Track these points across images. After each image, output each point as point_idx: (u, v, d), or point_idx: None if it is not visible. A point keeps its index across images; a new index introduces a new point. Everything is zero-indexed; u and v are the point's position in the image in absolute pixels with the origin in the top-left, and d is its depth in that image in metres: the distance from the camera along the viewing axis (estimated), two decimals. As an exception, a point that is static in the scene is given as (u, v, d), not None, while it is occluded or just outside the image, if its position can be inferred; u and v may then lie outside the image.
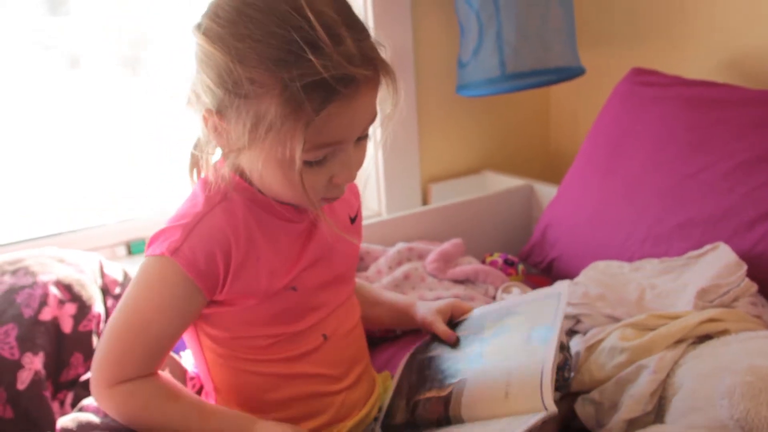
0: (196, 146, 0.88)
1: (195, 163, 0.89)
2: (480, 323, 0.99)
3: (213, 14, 0.77)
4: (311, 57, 0.72)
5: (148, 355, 0.83)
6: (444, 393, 0.90)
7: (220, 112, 0.78)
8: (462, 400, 0.87)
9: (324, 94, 0.73)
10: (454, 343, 0.98)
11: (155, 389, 0.83)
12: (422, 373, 0.97)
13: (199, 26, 0.78)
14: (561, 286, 0.95)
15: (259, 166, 0.79)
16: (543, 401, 0.78)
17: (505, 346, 0.91)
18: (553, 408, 0.77)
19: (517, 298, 1.01)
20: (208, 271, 0.81)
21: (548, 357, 0.83)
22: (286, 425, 0.82)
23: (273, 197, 0.85)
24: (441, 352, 0.99)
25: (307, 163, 0.78)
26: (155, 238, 0.84)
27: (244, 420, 0.83)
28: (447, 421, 0.87)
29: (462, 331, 1.00)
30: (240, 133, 0.77)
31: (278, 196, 0.84)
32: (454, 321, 1.04)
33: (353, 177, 0.83)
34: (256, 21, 0.73)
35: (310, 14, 0.73)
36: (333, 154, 0.80)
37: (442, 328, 1.01)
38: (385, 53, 0.79)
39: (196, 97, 0.80)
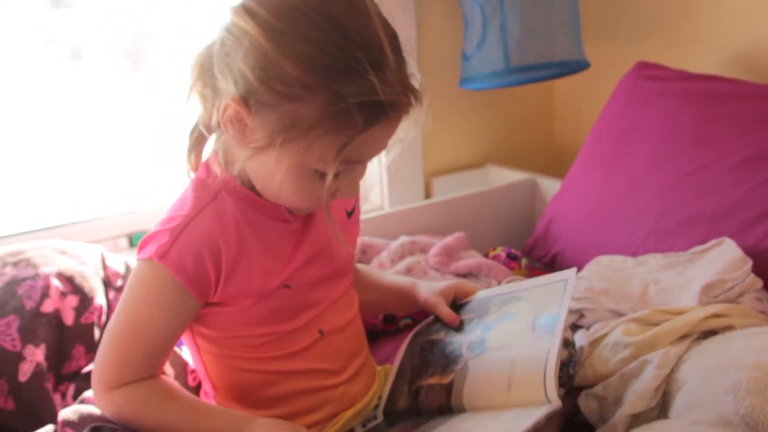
0: (195, 129, 0.86)
1: (195, 146, 0.87)
2: (484, 306, 0.98)
3: (269, 5, 0.73)
4: (373, 77, 0.71)
5: (146, 358, 0.82)
6: (446, 380, 0.89)
7: (249, 105, 0.75)
8: (464, 390, 0.86)
9: (372, 115, 0.73)
10: (458, 327, 0.97)
11: (152, 391, 0.82)
12: (424, 357, 0.96)
13: (251, 14, 0.74)
14: (567, 273, 0.93)
15: (281, 168, 0.77)
16: (546, 395, 0.77)
17: (509, 333, 0.89)
18: (557, 402, 0.76)
19: (523, 283, 0.99)
20: (197, 275, 0.80)
21: (552, 348, 0.82)
22: (282, 422, 0.81)
23: (272, 199, 0.84)
24: (444, 335, 0.97)
25: (322, 175, 0.78)
26: (145, 242, 0.83)
27: (240, 419, 0.82)
28: (449, 410, 0.86)
29: (465, 314, 0.98)
30: (267, 132, 0.75)
31: (280, 199, 0.83)
32: (457, 303, 1.02)
33: (357, 194, 0.84)
34: (319, 26, 0.72)
35: (377, 34, 0.73)
36: (345, 171, 0.79)
37: (445, 310, 0.99)
38: (416, 82, 0.79)
39: (215, 81, 0.77)
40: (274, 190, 0.81)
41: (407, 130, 0.81)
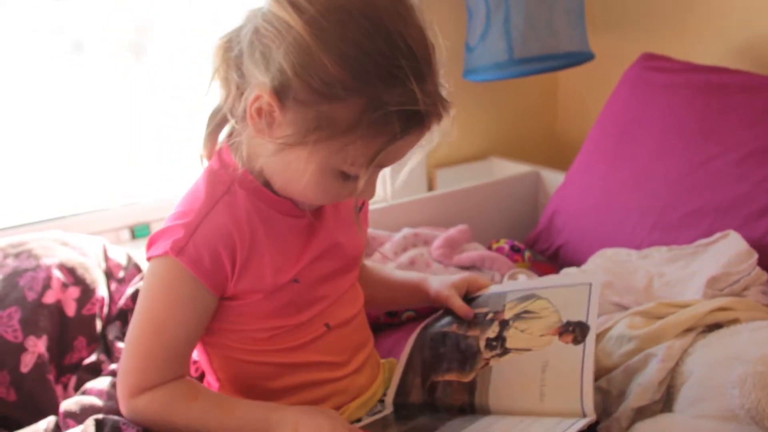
0: (216, 114, 0.84)
1: (213, 132, 0.85)
2: (499, 301, 0.96)
3: (316, 2, 0.72)
4: (415, 87, 0.71)
5: (167, 360, 0.81)
6: (467, 379, 0.88)
7: (283, 99, 0.73)
8: (489, 391, 0.85)
9: (408, 124, 0.73)
10: (471, 320, 0.96)
11: (174, 392, 0.80)
12: (436, 350, 0.95)
13: (298, 8, 0.72)
14: (591, 276, 0.92)
15: (309, 167, 0.76)
16: (583, 408, 0.77)
17: (532, 334, 0.89)
18: (593, 415, 0.76)
19: (541, 280, 0.98)
20: (213, 270, 0.79)
21: (588, 362, 0.81)
22: (312, 408, 0.80)
23: (288, 195, 0.83)
24: (455, 327, 0.96)
25: (345, 176, 0.77)
26: (157, 238, 0.81)
27: (268, 409, 0.81)
28: (471, 409, 0.86)
29: (479, 308, 0.97)
30: (299, 129, 0.74)
31: (296, 195, 0.82)
32: (469, 296, 1.01)
33: (374, 195, 0.83)
34: (365, 31, 0.71)
35: (423, 45, 0.74)
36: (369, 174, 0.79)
37: (458, 303, 0.98)
38: (445, 92, 0.79)
39: (243, 69, 0.76)
40: (298, 187, 0.80)
41: (430, 138, 0.81)
